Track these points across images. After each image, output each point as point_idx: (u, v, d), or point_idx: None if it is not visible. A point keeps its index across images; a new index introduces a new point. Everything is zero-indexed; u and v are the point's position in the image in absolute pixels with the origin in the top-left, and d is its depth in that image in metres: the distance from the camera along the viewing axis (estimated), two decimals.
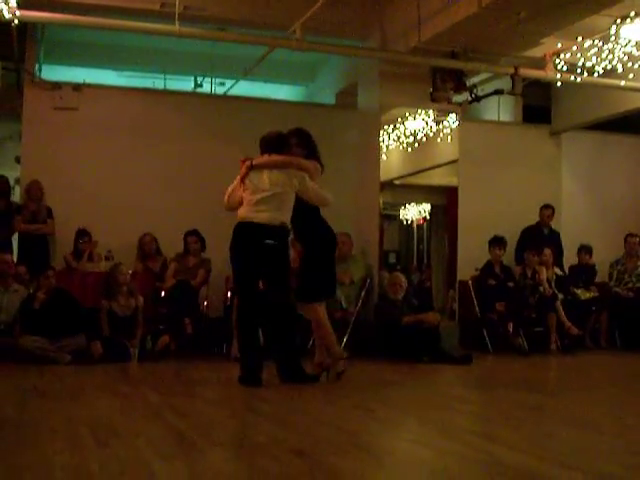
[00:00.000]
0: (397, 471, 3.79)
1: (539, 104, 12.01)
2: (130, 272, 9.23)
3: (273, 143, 6.86)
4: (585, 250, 11.30)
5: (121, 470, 3.56)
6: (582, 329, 10.41)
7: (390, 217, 14.78)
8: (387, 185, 11.92)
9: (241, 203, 6.75)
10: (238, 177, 6.81)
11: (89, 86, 10.75)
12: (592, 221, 11.89)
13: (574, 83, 10.06)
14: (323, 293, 7.02)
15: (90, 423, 4.74)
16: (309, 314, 6.91)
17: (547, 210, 11.12)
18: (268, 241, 6.57)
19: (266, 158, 6.76)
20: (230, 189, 6.92)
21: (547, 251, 10.71)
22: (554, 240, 11.15)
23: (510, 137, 11.72)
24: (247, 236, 6.65)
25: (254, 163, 6.74)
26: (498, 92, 10.49)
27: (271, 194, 6.63)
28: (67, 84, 10.49)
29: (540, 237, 11.01)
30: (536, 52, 9.83)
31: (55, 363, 8.07)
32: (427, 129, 11.94)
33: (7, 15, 8.14)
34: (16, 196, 10.55)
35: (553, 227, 11.25)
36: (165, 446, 4.15)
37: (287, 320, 6.70)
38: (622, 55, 9.20)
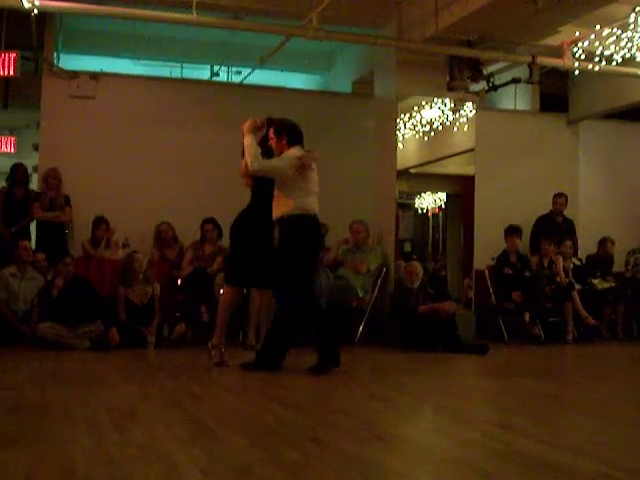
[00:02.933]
0: (413, 459, 3.81)
1: (556, 93, 11.96)
2: (147, 260, 9.26)
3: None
4: (605, 242, 11.24)
5: (140, 455, 3.60)
6: (599, 319, 10.39)
7: (405, 206, 14.76)
8: (403, 174, 11.89)
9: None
10: (295, 157, 6.71)
11: (106, 75, 10.79)
12: (609, 210, 11.84)
13: (592, 72, 10.02)
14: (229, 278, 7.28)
15: (109, 409, 4.79)
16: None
17: (560, 198, 11.08)
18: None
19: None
20: (281, 163, 6.75)
21: (567, 242, 10.69)
22: (568, 229, 11.12)
23: (527, 126, 11.69)
24: (318, 230, 6.90)
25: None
26: (515, 81, 10.44)
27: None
28: (85, 73, 10.52)
29: (554, 226, 10.98)
30: (554, 40, 9.79)
31: (73, 349, 8.13)
32: (444, 118, 11.91)
33: (27, 5, 8.19)
34: (34, 184, 10.59)
35: (566, 215, 11.22)
36: (183, 432, 4.19)
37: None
38: None
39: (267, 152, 6.83)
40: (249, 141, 6.78)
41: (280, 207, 6.67)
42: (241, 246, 7.01)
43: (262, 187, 6.88)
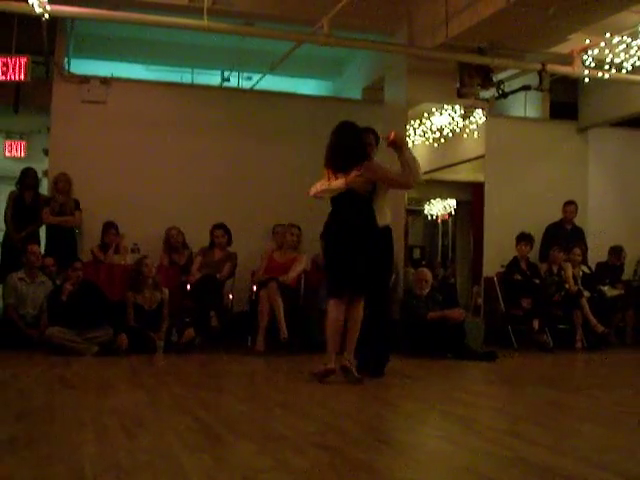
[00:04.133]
0: (421, 466, 3.81)
1: (566, 100, 11.96)
2: (156, 265, 9.28)
3: None
4: (616, 251, 11.23)
5: (149, 461, 3.60)
6: (608, 327, 10.37)
7: (415, 212, 14.74)
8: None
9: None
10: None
11: (117, 80, 10.84)
12: (619, 218, 11.82)
13: (602, 79, 10.01)
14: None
15: (117, 414, 4.79)
16: None
17: (570, 206, 11.09)
18: None
19: None
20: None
21: (577, 250, 10.69)
22: (578, 236, 11.10)
23: (537, 133, 11.69)
24: None
25: None
26: (525, 88, 10.45)
27: None
28: (95, 78, 10.56)
29: (563, 234, 10.98)
30: (564, 48, 9.78)
31: (82, 355, 8.14)
32: (454, 124, 11.90)
33: (38, 9, 8.22)
34: (44, 188, 10.63)
35: (576, 223, 11.21)
36: (192, 438, 4.19)
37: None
38: None
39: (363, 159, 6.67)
40: (413, 154, 6.81)
41: (382, 216, 6.71)
42: (341, 255, 6.56)
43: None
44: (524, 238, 10.39)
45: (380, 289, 6.83)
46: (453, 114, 11.77)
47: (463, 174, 12.66)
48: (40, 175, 10.56)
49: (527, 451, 4.01)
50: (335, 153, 6.65)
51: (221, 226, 9.86)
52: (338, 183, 6.54)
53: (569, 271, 10.43)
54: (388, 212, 6.85)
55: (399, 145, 6.69)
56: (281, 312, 8.85)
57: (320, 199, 6.75)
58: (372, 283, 6.54)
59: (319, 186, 6.72)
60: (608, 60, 9.48)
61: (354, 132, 6.75)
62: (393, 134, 6.69)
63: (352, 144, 6.64)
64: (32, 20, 8.71)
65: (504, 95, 10.36)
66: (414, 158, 6.75)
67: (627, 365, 9.30)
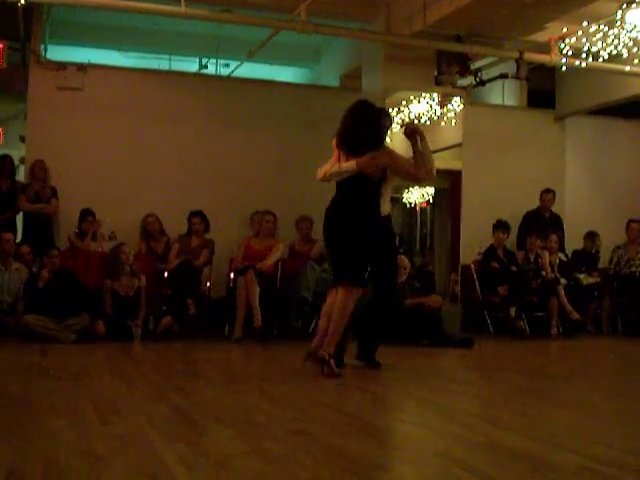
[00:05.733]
0: (396, 452, 3.83)
1: (544, 89, 12.01)
2: (133, 252, 9.26)
3: None
4: (592, 236, 11.31)
5: (124, 448, 3.60)
6: (584, 314, 10.45)
7: (393, 200, 14.76)
8: None
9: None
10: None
11: (94, 66, 10.75)
12: (595, 206, 11.91)
13: (579, 68, 10.06)
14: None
15: (93, 401, 4.78)
16: None
17: (548, 194, 11.15)
18: None
19: None
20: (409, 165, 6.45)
21: (553, 237, 10.74)
22: (555, 224, 11.17)
23: (514, 121, 11.74)
24: None
25: None
26: (503, 76, 10.49)
27: None
28: (72, 64, 10.45)
29: (541, 221, 11.04)
30: (541, 36, 9.81)
31: (59, 342, 8.12)
32: (431, 112, 11.93)
33: None
34: (20, 175, 10.56)
35: (554, 211, 11.27)
36: (167, 425, 4.19)
37: None
38: (627, 40, 9.19)
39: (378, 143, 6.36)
40: (429, 147, 6.47)
41: (386, 205, 6.38)
42: (359, 243, 6.20)
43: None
44: (501, 226, 10.43)
45: (388, 278, 6.59)
46: (431, 102, 11.81)
47: (441, 162, 12.63)
48: (17, 162, 10.50)
49: (502, 436, 4.03)
50: (350, 134, 6.27)
51: (198, 213, 9.84)
52: (349, 165, 6.16)
53: (546, 258, 10.49)
54: (389, 201, 6.51)
55: (419, 135, 6.37)
56: (256, 300, 8.85)
57: (328, 182, 6.39)
58: (379, 272, 6.33)
59: (328, 167, 6.32)
60: (585, 49, 9.51)
61: (372, 113, 6.37)
62: (414, 123, 6.52)
63: (369, 126, 6.27)
64: (8, 6, 8.64)
65: (482, 83, 10.40)
66: (430, 152, 6.43)
67: (601, 352, 9.38)
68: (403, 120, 12.23)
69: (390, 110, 11.55)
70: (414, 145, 6.39)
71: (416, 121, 11.81)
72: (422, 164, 6.33)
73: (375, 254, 6.26)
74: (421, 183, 6.64)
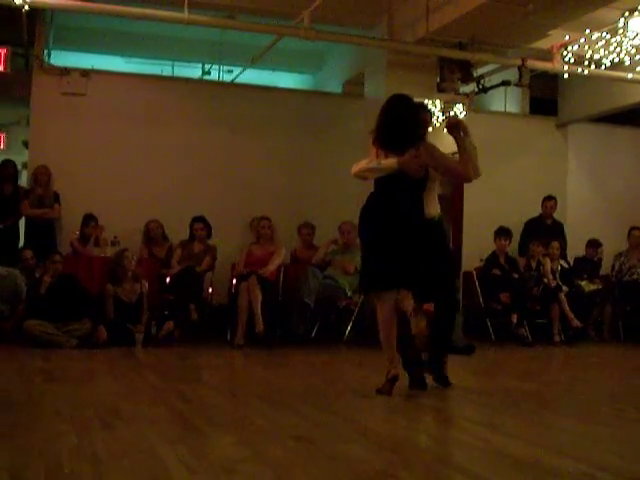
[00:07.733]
0: (396, 457, 3.83)
1: (546, 96, 12.03)
2: (136, 258, 9.26)
3: None
4: (594, 245, 11.31)
5: (126, 453, 3.61)
6: (586, 321, 10.45)
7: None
8: None
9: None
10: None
11: (97, 72, 10.77)
12: (597, 213, 11.91)
13: (581, 75, 10.07)
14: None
15: (95, 406, 4.80)
16: None
17: (549, 201, 11.16)
18: None
19: None
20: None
21: (555, 244, 10.73)
22: (557, 231, 11.17)
23: (516, 129, 11.75)
24: None
25: None
26: (505, 83, 10.49)
27: None
28: (75, 70, 10.48)
29: (543, 228, 11.04)
30: (543, 44, 9.83)
31: (61, 347, 8.12)
32: (434, 119, 11.91)
33: (18, 1, 8.17)
34: (23, 181, 10.58)
35: (556, 218, 11.28)
36: (169, 430, 4.20)
37: None
38: (630, 48, 9.22)
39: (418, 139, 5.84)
40: (474, 144, 6.02)
41: (434, 206, 6.03)
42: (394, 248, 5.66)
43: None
44: (503, 233, 10.43)
45: (444, 288, 5.92)
46: (433, 109, 11.79)
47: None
48: (19, 167, 10.51)
49: (502, 443, 4.04)
50: (389, 129, 5.80)
51: (201, 219, 9.85)
52: (390, 162, 5.67)
53: (548, 265, 10.49)
54: (437, 202, 6.06)
55: (462, 130, 5.97)
56: (258, 306, 8.86)
57: (363, 179, 6.02)
58: (436, 281, 5.75)
59: (365, 164, 5.81)
60: (587, 56, 9.53)
61: (411, 107, 5.91)
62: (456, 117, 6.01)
63: (410, 121, 5.80)
64: (12, 11, 8.66)
65: (484, 90, 10.40)
66: (475, 148, 6.00)
67: (603, 359, 9.36)
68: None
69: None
70: (458, 140, 5.96)
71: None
72: (469, 161, 5.93)
73: (421, 263, 5.65)
74: (468, 182, 6.11)
